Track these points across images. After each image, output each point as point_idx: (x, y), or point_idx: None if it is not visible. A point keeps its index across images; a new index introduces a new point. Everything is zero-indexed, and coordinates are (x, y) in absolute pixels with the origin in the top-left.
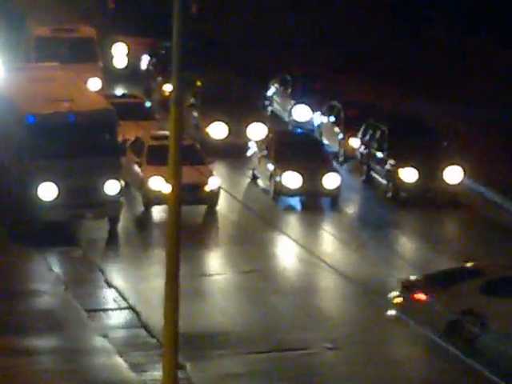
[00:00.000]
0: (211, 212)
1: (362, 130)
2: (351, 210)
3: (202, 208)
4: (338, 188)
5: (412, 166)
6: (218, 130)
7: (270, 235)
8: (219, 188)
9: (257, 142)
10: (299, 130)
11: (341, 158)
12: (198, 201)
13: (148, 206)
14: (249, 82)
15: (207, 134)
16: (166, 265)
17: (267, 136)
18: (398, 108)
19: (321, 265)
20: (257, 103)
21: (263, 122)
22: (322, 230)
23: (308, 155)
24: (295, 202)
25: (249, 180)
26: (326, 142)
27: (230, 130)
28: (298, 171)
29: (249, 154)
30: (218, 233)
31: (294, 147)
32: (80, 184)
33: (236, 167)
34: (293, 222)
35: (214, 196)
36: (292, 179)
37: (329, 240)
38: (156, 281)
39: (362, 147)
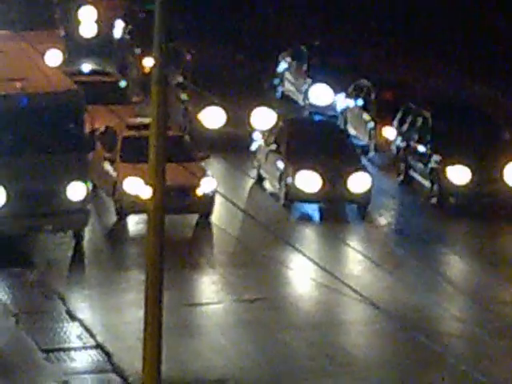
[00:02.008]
0: (204, 223)
1: (398, 117)
2: (385, 220)
3: (193, 218)
4: (368, 192)
5: (463, 164)
6: (212, 117)
7: (279, 253)
8: (214, 192)
9: (263, 132)
10: (318, 117)
11: (371, 153)
12: (187, 208)
13: (122, 215)
14: (253, 55)
15: (199, 121)
16: (146, 291)
17: (276, 125)
18: (445, 90)
19: (345, 291)
20: (263, 83)
21: (271, 107)
22: (346, 246)
23: (329, 149)
24: (312, 210)
25: (253, 182)
26: (352, 132)
27: (228, 117)
28: (315, 170)
29: (253, 148)
30: (213, 250)
31: (310, 139)
32: (35, 188)
33: (236, 165)
34: (309, 237)
35: (207, 202)
36: (308, 181)
37: (356, 259)
38: (132, 312)
39: (399, 139)
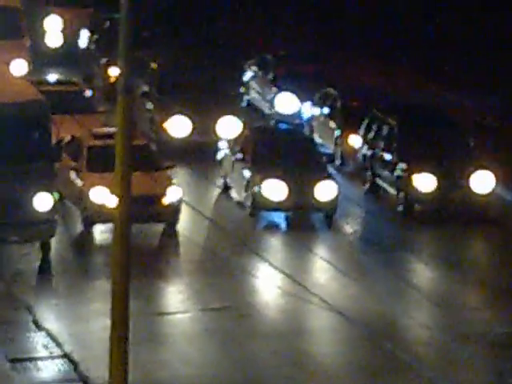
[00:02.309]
0: (170, 232)
1: (364, 124)
2: (351, 228)
3: (159, 227)
4: (335, 200)
5: (429, 172)
6: (178, 126)
7: (246, 262)
8: (181, 201)
9: (229, 141)
10: (284, 126)
11: (337, 162)
12: (153, 217)
13: (89, 224)
14: (219, 63)
15: (165, 130)
16: (112, 300)
17: (242, 133)
18: (411, 97)
19: (312, 299)
20: (229, 91)
21: (237, 116)
22: (313, 254)
23: (295, 158)
24: (279, 218)
25: (219, 191)
26: (318, 140)
27: (194, 126)
28: (282, 179)
29: (219, 157)
30: (180, 259)
31: (277, 148)
32: (1, 198)
33: (202, 174)
34: (276, 245)
35: (173, 211)
36: (275, 189)
37: (322, 268)
38: (99, 321)
39: (365, 147)
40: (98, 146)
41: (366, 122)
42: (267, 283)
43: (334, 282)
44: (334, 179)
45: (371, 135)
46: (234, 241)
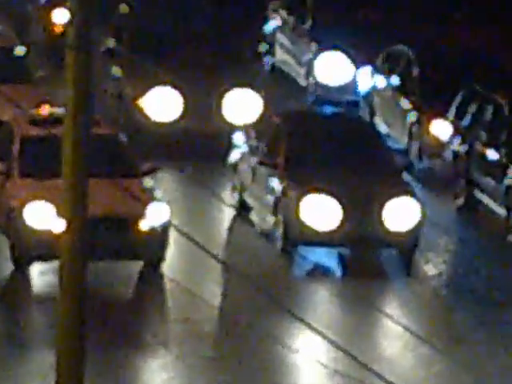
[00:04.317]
0: (152, 275)
1: (456, 104)
2: (434, 269)
3: (135, 267)
4: (416, 229)
5: None
6: (162, 105)
7: (275, 326)
8: (168, 226)
9: (247, 131)
10: (330, 109)
11: (413, 161)
12: (123, 252)
13: (23, 262)
14: (226, 7)
15: (141, 110)
16: (57, 380)
17: (267, 120)
18: None
19: (374, 382)
20: (242, 50)
21: (255, 89)
22: (377, 313)
23: (353, 161)
24: (328, 258)
25: (232, 212)
26: (382, 127)
27: (186, 104)
28: (332, 194)
29: (232, 158)
30: (166, 318)
31: (323, 145)
32: None
33: (202, 183)
34: (323, 300)
35: (156, 242)
36: (321, 211)
37: (391, 333)
38: None
39: (457, 139)
40: (37, 137)
41: (458, 100)
42: (308, 358)
43: (409, 355)
44: (414, 195)
45: (467, 121)
46: (257, 293)
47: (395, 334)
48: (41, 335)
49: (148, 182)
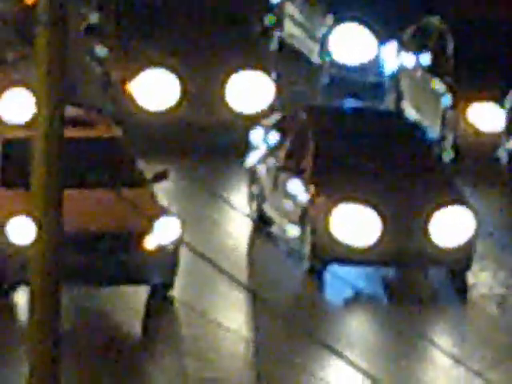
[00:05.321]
0: (161, 300)
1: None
2: (485, 288)
3: (141, 292)
4: (469, 245)
5: None
6: (155, 89)
7: (308, 359)
8: (179, 243)
9: (266, 126)
10: (351, 101)
11: (447, 155)
12: (126, 274)
13: (6, 286)
14: None
15: (130, 97)
16: None
17: (293, 116)
18: None
19: None
20: (249, 24)
21: (265, 70)
22: (427, 342)
23: (393, 164)
24: (368, 280)
25: (249, 223)
26: (410, 113)
27: (184, 90)
28: (369, 204)
29: (250, 161)
30: (179, 353)
31: (358, 145)
32: None
33: (212, 189)
34: (361, 331)
35: (165, 263)
36: (356, 224)
37: (442, 365)
38: None
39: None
40: (20, 141)
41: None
42: None
43: None
44: (467, 204)
45: None
46: (283, 322)
47: (446, 367)
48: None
49: (154, 190)
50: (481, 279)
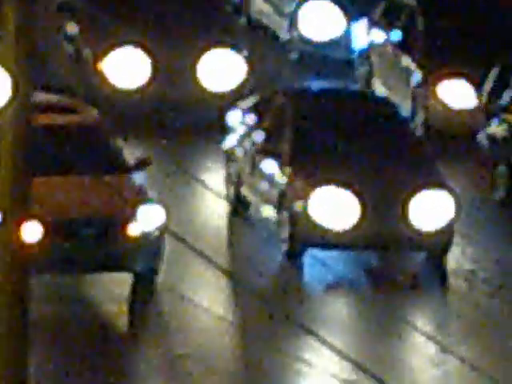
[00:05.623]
0: (144, 288)
1: (491, 78)
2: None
3: (121, 278)
4: (449, 229)
5: None
6: (127, 67)
7: (290, 343)
8: (163, 230)
9: (243, 109)
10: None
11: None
12: (109, 262)
13: None
14: None
15: (101, 75)
16: None
17: (272, 99)
18: None
19: None
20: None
21: (235, 47)
22: (407, 326)
23: (372, 146)
24: (343, 262)
25: (227, 207)
26: (379, 89)
27: (155, 67)
28: (348, 187)
29: (228, 144)
30: (162, 341)
31: (337, 127)
32: None
33: (192, 170)
34: (338, 315)
35: (150, 250)
36: (335, 207)
37: (423, 351)
38: None
39: (495, 120)
40: None
41: (494, 75)
42: (325, 377)
43: (435, 371)
44: (448, 187)
45: (507, 99)
46: (261, 304)
47: (425, 352)
48: None
49: (137, 177)
50: (450, 255)
